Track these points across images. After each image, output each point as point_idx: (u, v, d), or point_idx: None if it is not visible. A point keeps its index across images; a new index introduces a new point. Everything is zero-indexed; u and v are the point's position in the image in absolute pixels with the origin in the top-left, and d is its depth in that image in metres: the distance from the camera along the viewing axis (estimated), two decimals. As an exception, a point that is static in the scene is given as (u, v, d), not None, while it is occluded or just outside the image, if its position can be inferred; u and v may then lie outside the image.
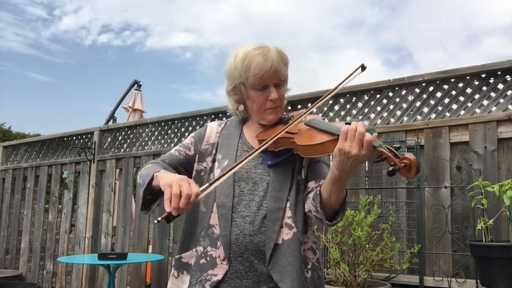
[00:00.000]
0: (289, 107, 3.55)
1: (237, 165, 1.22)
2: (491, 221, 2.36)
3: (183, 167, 1.41)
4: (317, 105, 1.36)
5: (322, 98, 1.38)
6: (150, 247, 4.40)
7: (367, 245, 2.66)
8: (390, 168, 1.05)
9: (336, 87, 1.36)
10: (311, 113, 1.38)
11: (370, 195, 2.89)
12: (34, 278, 5.18)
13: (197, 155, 1.43)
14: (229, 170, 1.21)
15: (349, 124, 1.12)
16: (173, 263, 1.41)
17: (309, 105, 3.49)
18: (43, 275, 5.13)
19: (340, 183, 1.18)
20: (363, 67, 1.34)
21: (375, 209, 2.70)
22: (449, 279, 2.72)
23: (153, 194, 1.28)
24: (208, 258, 1.30)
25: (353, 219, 2.66)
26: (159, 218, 1.09)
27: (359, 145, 1.08)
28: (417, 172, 1.04)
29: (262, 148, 1.26)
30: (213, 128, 1.47)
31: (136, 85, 6.50)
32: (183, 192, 1.09)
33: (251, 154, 1.25)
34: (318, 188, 1.25)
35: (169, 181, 1.13)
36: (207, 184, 1.17)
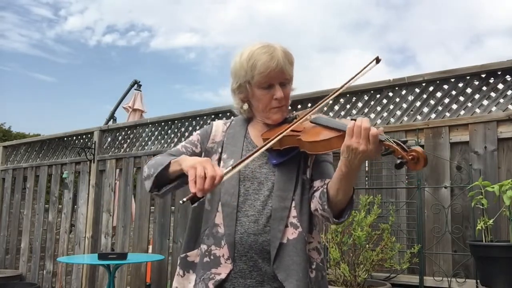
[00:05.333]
0: (289, 107, 3.54)
1: (250, 155, 1.20)
2: (491, 221, 2.36)
3: None
4: (329, 99, 1.36)
5: (333, 92, 1.36)
6: (150, 247, 4.40)
7: (367, 245, 2.66)
8: (398, 161, 1.04)
9: (350, 80, 1.33)
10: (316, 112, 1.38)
11: (370, 195, 2.88)
12: (34, 278, 5.18)
13: (203, 153, 1.43)
14: (246, 158, 1.20)
15: (355, 120, 1.12)
16: (178, 262, 1.41)
17: (309, 105, 3.49)
18: (43, 275, 5.13)
19: (347, 180, 1.19)
20: (377, 60, 1.33)
21: (375, 209, 2.70)
22: (449, 279, 2.72)
23: (170, 180, 1.29)
24: (212, 257, 1.30)
25: (353, 219, 2.66)
26: (184, 199, 1.09)
27: (366, 141, 1.09)
28: (425, 164, 1.02)
29: (269, 144, 1.25)
30: (219, 126, 1.47)
31: (136, 85, 6.50)
32: (208, 174, 1.10)
33: (260, 149, 1.24)
34: (325, 186, 1.26)
35: (193, 163, 1.15)
36: (230, 167, 1.17)
